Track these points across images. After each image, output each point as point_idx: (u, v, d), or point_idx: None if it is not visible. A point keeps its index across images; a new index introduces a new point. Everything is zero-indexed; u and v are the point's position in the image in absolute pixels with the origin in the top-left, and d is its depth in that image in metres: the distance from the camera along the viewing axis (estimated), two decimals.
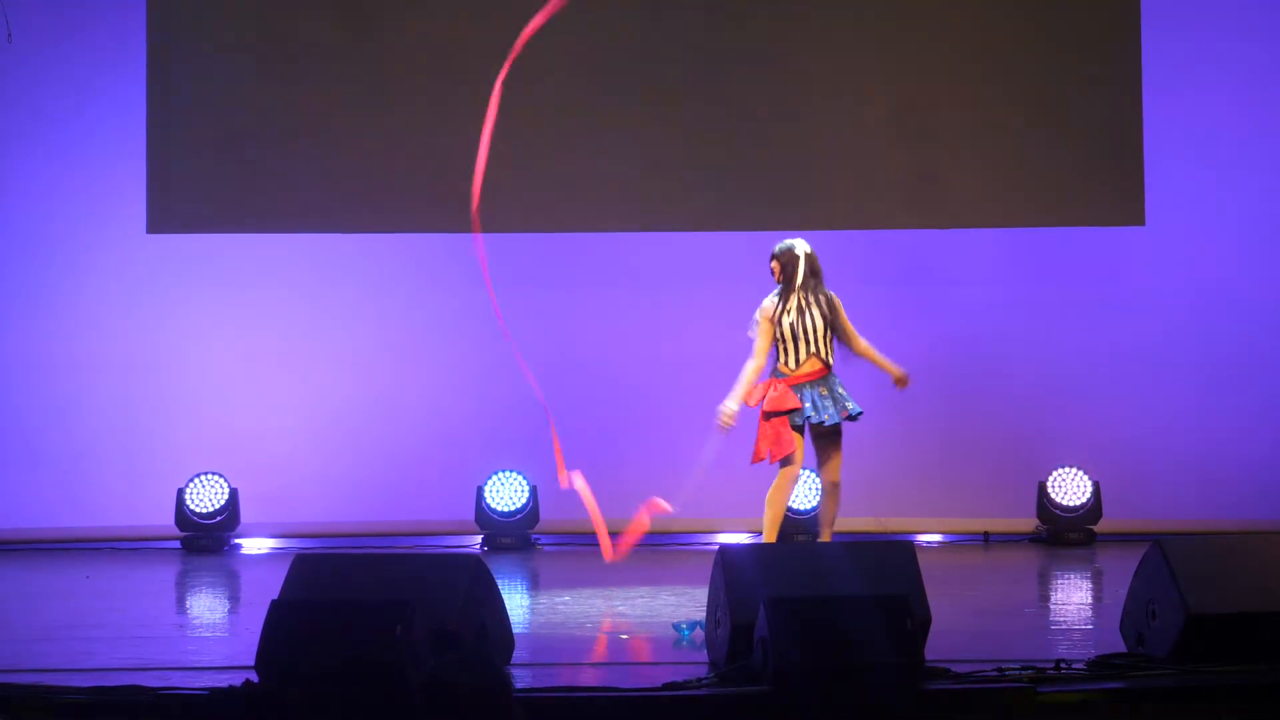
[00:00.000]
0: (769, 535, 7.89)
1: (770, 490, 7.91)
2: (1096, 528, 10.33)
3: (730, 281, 10.12)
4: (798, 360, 7.90)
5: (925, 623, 5.66)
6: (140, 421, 10.58)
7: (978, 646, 6.21)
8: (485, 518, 10.36)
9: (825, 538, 7.98)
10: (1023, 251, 10.66)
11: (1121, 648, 6.00)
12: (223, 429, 10.56)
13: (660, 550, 9.97)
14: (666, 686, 5.45)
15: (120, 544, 10.50)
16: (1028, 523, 10.47)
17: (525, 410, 8.73)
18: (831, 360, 7.94)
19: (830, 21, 10.45)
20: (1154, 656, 5.80)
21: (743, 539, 9.80)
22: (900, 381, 8.07)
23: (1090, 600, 8.63)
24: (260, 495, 10.49)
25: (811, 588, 5.73)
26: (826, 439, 7.91)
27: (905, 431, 10.15)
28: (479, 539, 10.38)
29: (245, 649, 5.81)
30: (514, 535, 10.33)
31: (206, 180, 10.43)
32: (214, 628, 7.72)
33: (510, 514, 10.35)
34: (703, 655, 6.11)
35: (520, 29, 8.08)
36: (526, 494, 10.36)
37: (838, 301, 7.98)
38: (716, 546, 6.37)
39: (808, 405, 7.82)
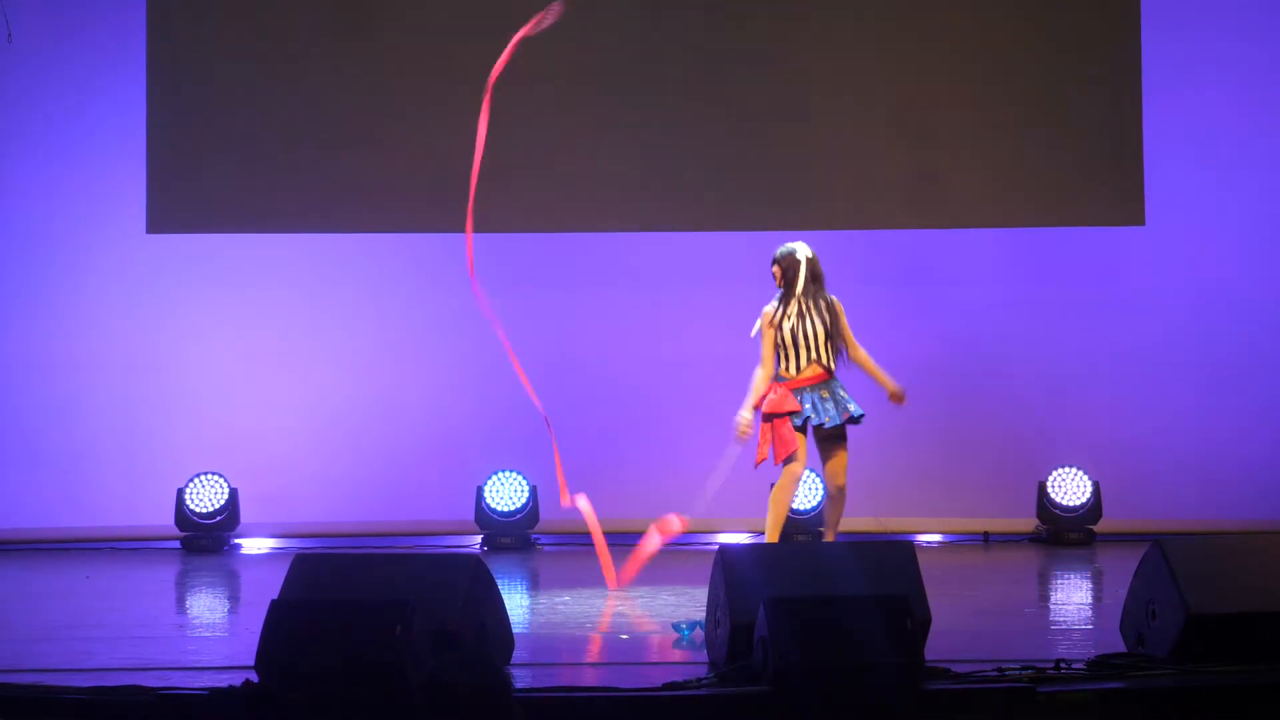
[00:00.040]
0: (771, 535, 7.89)
1: (774, 490, 7.92)
2: (1096, 528, 10.33)
3: (730, 281, 10.13)
4: (798, 366, 7.90)
5: (925, 623, 5.66)
6: (140, 421, 10.58)
7: (978, 646, 6.20)
8: (485, 518, 10.36)
9: (829, 539, 7.99)
10: (1023, 251, 10.66)
11: (1121, 648, 6.00)
12: (223, 429, 10.56)
13: (660, 550, 9.95)
14: (666, 686, 5.44)
15: (120, 544, 10.50)
16: (1028, 523, 10.47)
17: (525, 410, 8.73)
18: (834, 366, 7.93)
19: (830, 21, 10.45)
20: (1154, 656, 5.79)
21: (743, 539, 9.80)
22: (895, 397, 8.03)
23: (1090, 600, 8.62)
24: (260, 495, 10.48)
25: (811, 588, 5.72)
26: (830, 442, 7.91)
27: (905, 431, 10.14)
28: (479, 539, 10.38)
29: (245, 649, 5.81)
30: (514, 535, 10.33)
31: (206, 180, 10.44)
32: (214, 628, 7.72)
33: (510, 514, 10.35)
34: (703, 655, 6.11)
35: (520, 29, 8.09)
36: (526, 494, 10.36)
37: (839, 307, 7.97)
38: (716, 546, 6.37)
39: (807, 407, 7.82)
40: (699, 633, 6.47)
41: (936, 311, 10.59)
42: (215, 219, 10.47)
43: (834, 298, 7.98)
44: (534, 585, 8.99)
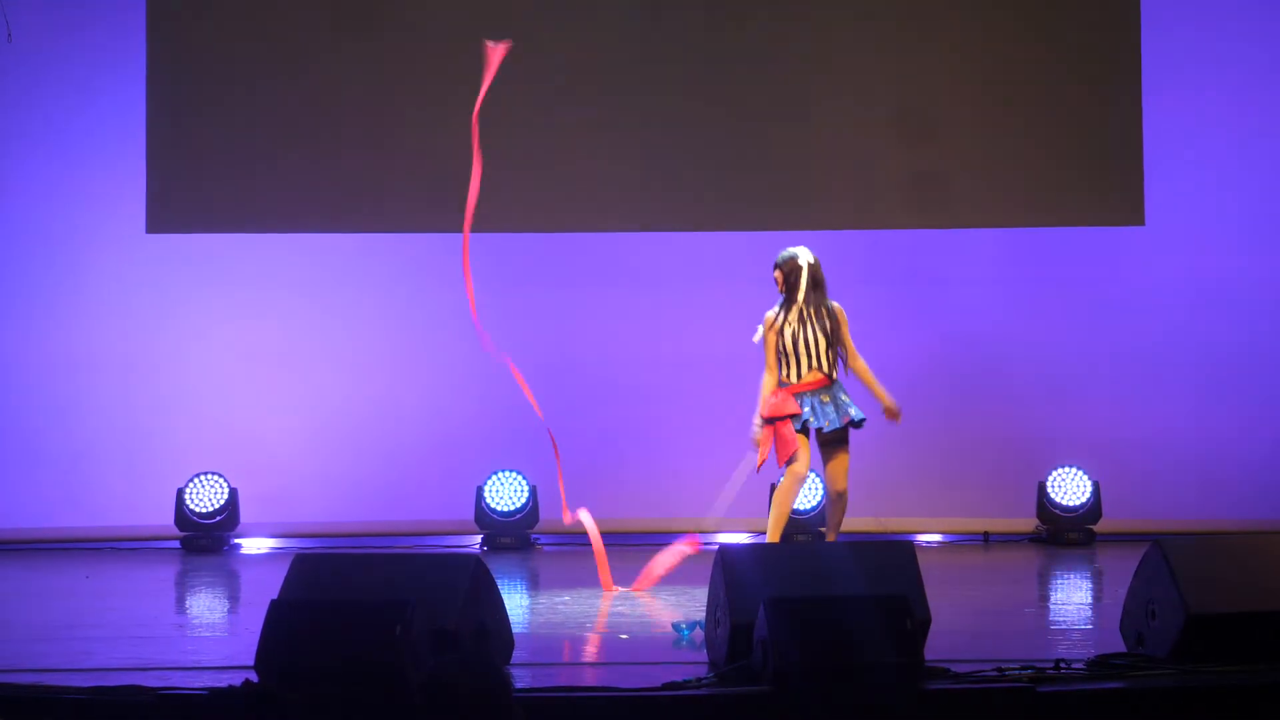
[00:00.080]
0: (772, 535, 7.89)
1: (776, 490, 7.93)
2: (1096, 528, 10.33)
3: (730, 281, 10.13)
4: (799, 372, 7.89)
5: (925, 623, 5.66)
6: (140, 421, 10.57)
7: (978, 646, 6.21)
8: (485, 518, 10.35)
9: (830, 539, 7.98)
10: (1023, 251, 10.66)
11: (1121, 648, 6.00)
12: (223, 429, 10.56)
13: (660, 551, 9.95)
14: (666, 686, 5.44)
15: (120, 544, 10.50)
16: (1028, 523, 10.47)
17: (525, 410, 8.72)
18: (835, 373, 7.91)
19: (830, 21, 10.45)
20: (1154, 656, 5.79)
21: (743, 539, 9.79)
22: (890, 413, 8.00)
23: (1090, 600, 8.62)
24: (260, 495, 10.48)
25: (811, 588, 5.72)
26: (832, 446, 7.90)
27: (905, 431, 10.08)
28: (479, 539, 10.38)
29: (245, 649, 5.81)
30: (514, 535, 10.32)
31: (206, 180, 10.44)
32: (213, 628, 7.72)
33: (510, 514, 10.34)
34: (703, 655, 6.11)
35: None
36: (526, 494, 10.36)
37: (842, 315, 7.94)
38: (716, 546, 6.37)
39: (806, 410, 7.82)
40: (699, 633, 6.47)
41: (936, 311, 10.59)
42: (215, 219, 10.47)
43: (837, 305, 7.95)
44: (534, 585, 8.98)
